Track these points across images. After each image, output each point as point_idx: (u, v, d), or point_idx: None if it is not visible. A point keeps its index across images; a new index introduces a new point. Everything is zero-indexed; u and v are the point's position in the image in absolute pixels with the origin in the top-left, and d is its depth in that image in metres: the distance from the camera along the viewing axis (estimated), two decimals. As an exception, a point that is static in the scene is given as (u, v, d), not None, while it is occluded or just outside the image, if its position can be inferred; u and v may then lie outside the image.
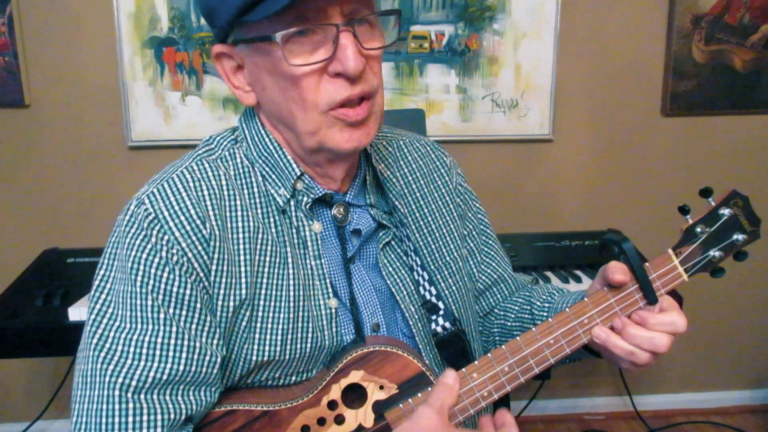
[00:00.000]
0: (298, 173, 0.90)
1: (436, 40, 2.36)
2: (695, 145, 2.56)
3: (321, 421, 0.85)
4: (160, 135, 2.34)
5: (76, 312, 1.77)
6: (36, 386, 2.51)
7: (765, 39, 2.45)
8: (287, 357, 0.87)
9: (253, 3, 0.77)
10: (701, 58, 2.45)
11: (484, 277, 1.11)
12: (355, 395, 0.87)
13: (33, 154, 2.34)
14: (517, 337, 0.88)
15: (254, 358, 0.85)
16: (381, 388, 0.86)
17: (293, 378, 0.90)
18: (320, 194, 0.92)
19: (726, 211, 0.90)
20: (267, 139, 0.91)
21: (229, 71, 0.89)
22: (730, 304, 2.69)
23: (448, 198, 1.07)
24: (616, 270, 0.86)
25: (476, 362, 0.88)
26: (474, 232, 1.11)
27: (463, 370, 0.87)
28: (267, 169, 0.91)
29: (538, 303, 1.05)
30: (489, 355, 0.88)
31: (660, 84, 2.50)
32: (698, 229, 0.90)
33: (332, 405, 0.85)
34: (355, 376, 0.86)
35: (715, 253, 0.90)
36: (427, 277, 0.98)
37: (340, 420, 0.86)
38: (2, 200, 2.37)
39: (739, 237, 0.90)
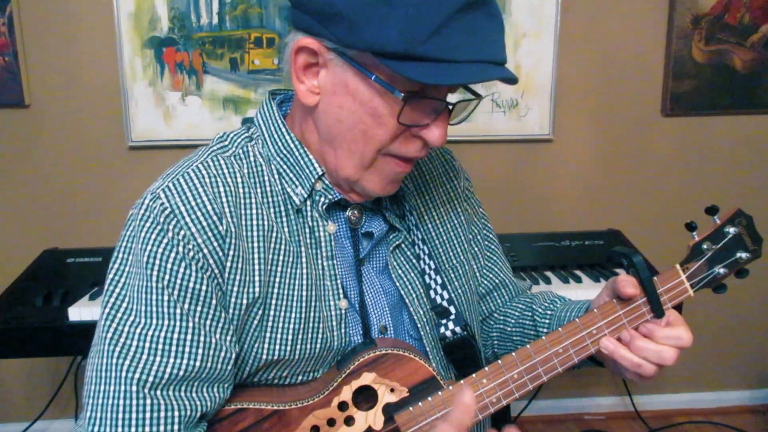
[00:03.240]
0: (320, 173, 0.89)
1: (436, 40, 2.35)
2: (695, 145, 2.56)
3: (331, 422, 0.85)
4: (160, 135, 2.34)
5: (76, 312, 1.76)
6: (36, 386, 2.51)
7: (765, 39, 2.45)
8: (296, 356, 0.87)
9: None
10: (701, 58, 2.45)
11: (485, 282, 1.11)
12: (365, 397, 0.86)
13: (33, 154, 2.34)
14: (527, 345, 0.89)
15: (264, 356, 0.85)
16: (392, 390, 0.86)
17: (300, 378, 0.90)
18: (337, 198, 0.91)
19: (731, 230, 0.92)
20: (288, 137, 0.90)
21: (302, 65, 0.84)
22: (730, 305, 2.70)
23: (456, 202, 1.07)
24: (627, 284, 0.87)
25: (486, 368, 0.88)
26: (478, 237, 1.11)
27: (473, 375, 0.88)
28: (285, 167, 0.90)
29: (540, 310, 1.05)
30: (499, 361, 0.88)
31: (660, 84, 2.50)
32: (704, 246, 0.92)
33: (342, 406, 0.85)
34: (366, 378, 0.86)
35: (719, 269, 0.92)
36: (440, 281, 0.98)
37: (350, 421, 0.86)
38: (2, 200, 2.37)
39: (742, 255, 0.92)
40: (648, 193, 2.59)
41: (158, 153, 2.36)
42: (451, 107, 0.83)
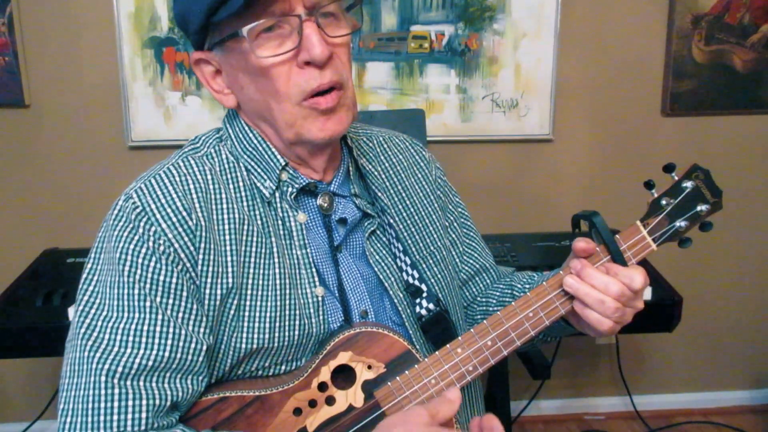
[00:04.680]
0: (283, 163, 0.94)
1: (436, 40, 2.36)
2: (695, 145, 2.56)
3: (312, 403, 0.87)
4: (160, 135, 2.34)
5: (76, 312, 1.77)
6: (36, 386, 2.51)
7: (765, 39, 2.45)
8: (276, 345, 0.89)
9: (218, 3, 0.81)
10: (701, 58, 2.45)
11: (466, 267, 1.14)
12: (344, 377, 0.89)
13: (33, 154, 2.34)
14: (498, 312, 0.91)
15: (243, 346, 0.87)
16: (369, 367, 0.89)
17: (282, 367, 0.92)
18: (304, 183, 0.95)
19: (689, 184, 0.95)
20: (251, 134, 0.95)
21: (209, 76, 0.93)
22: (730, 304, 2.69)
23: (428, 190, 1.10)
24: (578, 241, 0.90)
25: (460, 338, 0.91)
26: (455, 224, 1.14)
27: (447, 346, 0.90)
28: (252, 162, 0.94)
29: (519, 285, 1.08)
30: (472, 330, 0.91)
31: (660, 84, 2.50)
32: (663, 202, 0.95)
33: (322, 387, 0.88)
34: (343, 357, 0.88)
35: (680, 223, 0.94)
36: (408, 262, 1.01)
37: (330, 401, 0.88)
38: (2, 200, 2.37)
39: (702, 207, 0.95)
40: (648, 193, 2.59)
41: (158, 153, 2.34)
42: (312, 20, 0.83)
